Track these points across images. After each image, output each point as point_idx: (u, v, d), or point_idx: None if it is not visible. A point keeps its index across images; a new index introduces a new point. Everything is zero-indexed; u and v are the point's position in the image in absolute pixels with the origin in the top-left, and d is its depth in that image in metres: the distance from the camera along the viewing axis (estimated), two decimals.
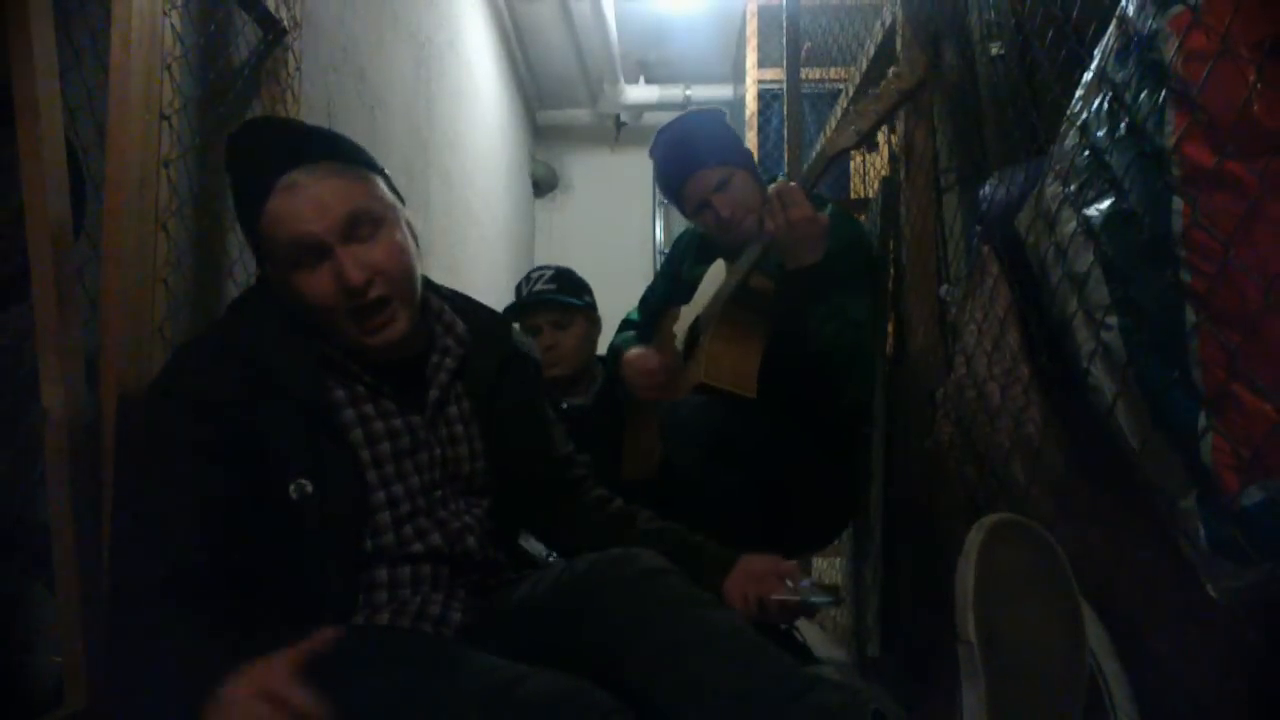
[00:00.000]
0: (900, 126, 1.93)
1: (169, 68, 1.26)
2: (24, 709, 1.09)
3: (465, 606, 1.03)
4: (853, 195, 2.85)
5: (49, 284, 1.05)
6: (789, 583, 1.07)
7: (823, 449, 1.67)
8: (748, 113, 3.90)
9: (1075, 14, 1.19)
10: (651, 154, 1.79)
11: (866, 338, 1.67)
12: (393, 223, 1.02)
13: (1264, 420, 0.77)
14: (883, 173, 2.40)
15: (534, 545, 1.31)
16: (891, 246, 1.94)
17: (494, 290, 3.76)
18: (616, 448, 1.85)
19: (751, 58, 3.95)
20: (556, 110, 5.54)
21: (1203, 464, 0.81)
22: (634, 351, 1.81)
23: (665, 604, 0.90)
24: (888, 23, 2.07)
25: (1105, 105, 0.99)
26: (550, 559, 1.31)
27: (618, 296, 2.40)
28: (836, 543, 2.18)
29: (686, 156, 1.71)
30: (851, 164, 2.87)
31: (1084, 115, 1.03)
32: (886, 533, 1.76)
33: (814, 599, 1.05)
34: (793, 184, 1.49)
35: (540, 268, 2.07)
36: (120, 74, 1.13)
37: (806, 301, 1.52)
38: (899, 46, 1.89)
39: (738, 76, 4.37)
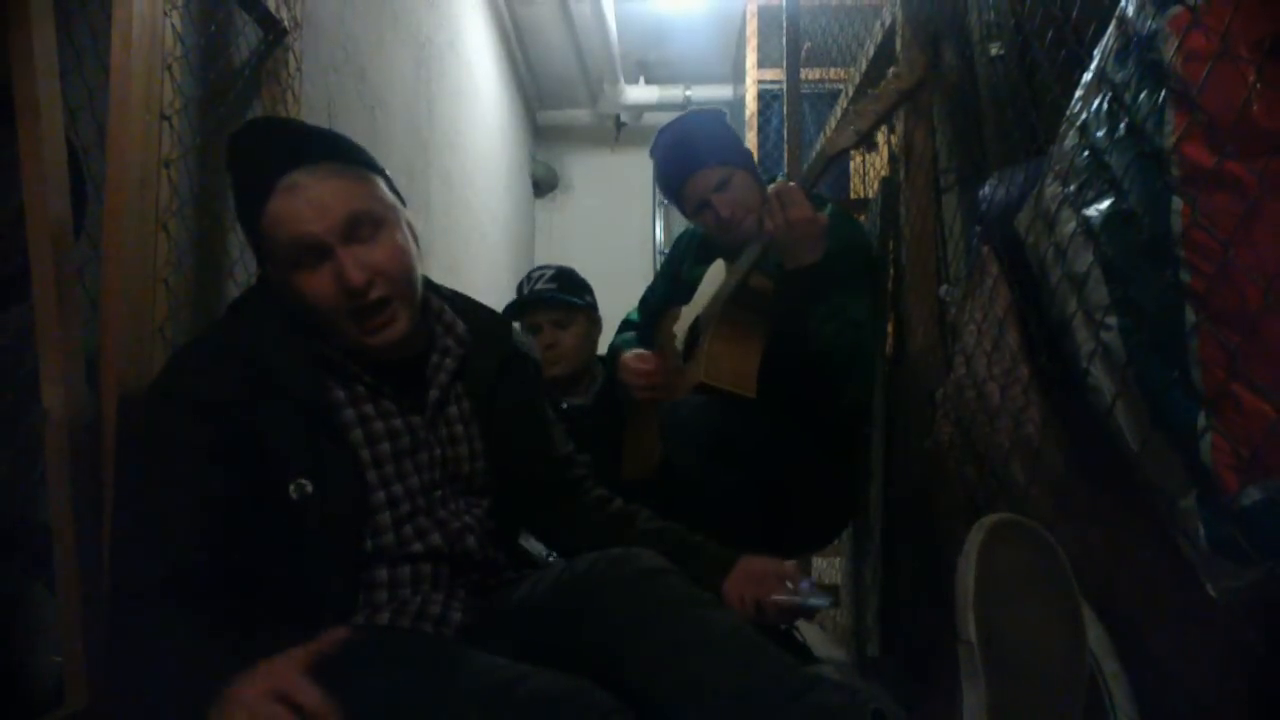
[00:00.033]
0: (900, 127, 1.93)
1: (170, 68, 1.26)
2: (24, 709, 1.09)
3: (465, 606, 1.03)
4: (852, 195, 2.86)
5: (49, 284, 1.05)
6: (789, 584, 1.07)
7: (822, 449, 1.67)
8: (748, 113, 3.90)
9: (1075, 14, 1.19)
10: (652, 154, 1.79)
11: (866, 338, 1.67)
12: (393, 223, 1.02)
13: (1263, 420, 0.78)
14: (882, 173, 2.40)
15: (534, 545, 1.31)
16: (891, 246, 1.94)
17: (494, 290, 3.76)
18: (616, 448, 1.85)
19: (751, 58, 3.96)
20: (556, 110, 5.54)
21: (1202, 464, 0.81)
22: (631, 353, 1.81)
23: (665, 604, 0.90)
24: (887, 23, 2.07)
25: (1105, 105, 0.99)
26: (550, 559, 1.31)
27: (618, 296, 2.40)
28: (836, 542, 2.18)
29: (686, 156, 1.71)
30: (851, 164, 2.87)
31: (1083, 115, 1.03)
32: (886, 533, 1.77)
33: (812, 601, 1.06)
34: (792, 184, 1.49)
35: (541, 267, 2.08)
36: (121, 74, 1.13)
37: (806, 301, 1.52)
38: (899, 47, 1.89)
39: (738, 77, 4.38)
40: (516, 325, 1.77)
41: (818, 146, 2.37)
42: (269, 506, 0.95)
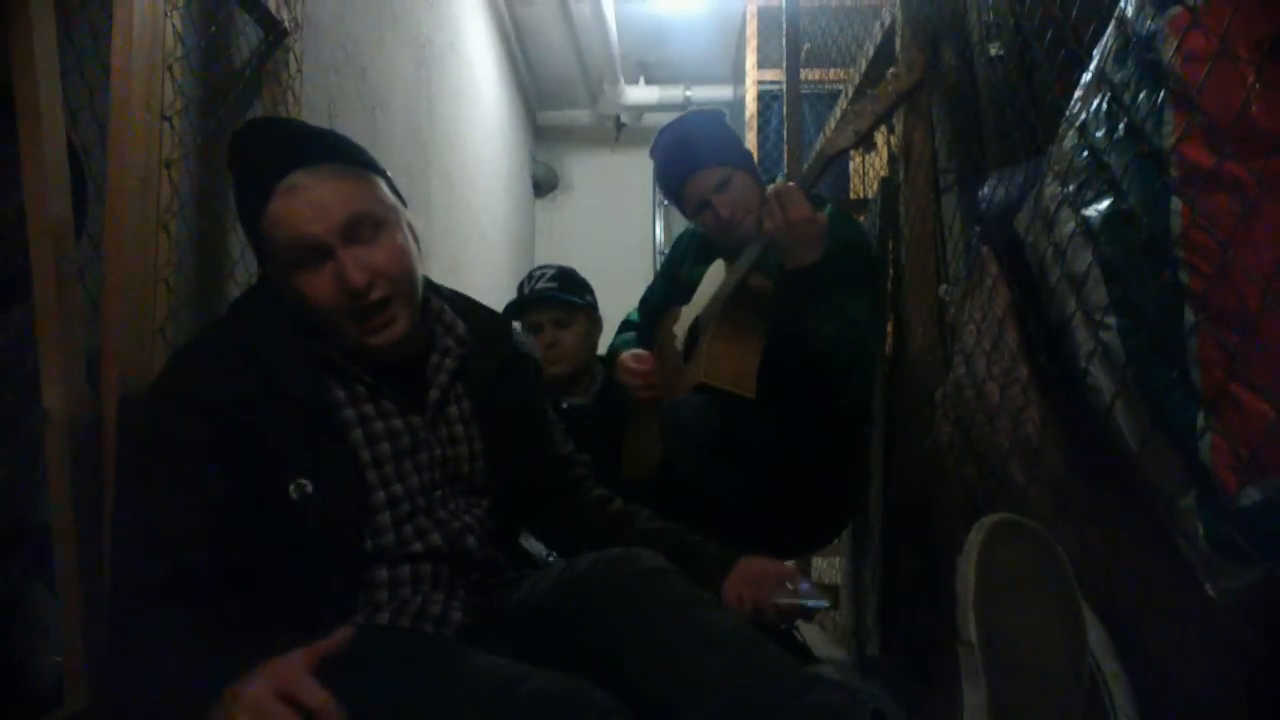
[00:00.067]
0: (899, 127, 1.93)
1: (170, 68, 1.26)
2: (24, 709, 1.09)
3: (465, 606, 1.03)
4: (852, 196, 2.85)
5: (49, 284, 1.05)
6: (789, 584, 1.07)
7: (822, 449, 1.67)
8: (747, 113, 3.90)
9: (1074, 14, 1.20)
10: (652, 154, 1.80)
11: (866, 337, 1.67)
12: (394, 225, 1.02)
13: (1263, 420, 0.78)
14: (882, 173, 2.40)
15: (534, 545, 1.31)
16: (891, 247, 1.94)
17: (494, 290, 3.76)
18: (616, 448, 1.85)
19: (751, 59, 3.96)
20: (557, 111, 5.54)
21: (1201, 464, 0.82)
22: (628, 353, 1.82)
23: (665, 604, 0.90)
24: (887, 23, 2.08)
25: (1104, 106, 0.99)
26: (550, 559, 1.31)
27: (618, 297, 2.41)
28: (836, 542, 2.18)
29: (686, 157, 1.71)
30: (851, 164, 2.87)
31: (1083, 116, 1.03)
32: (886, 532, 1.77)
33: (811, 603, 1.06)
34: (791, 184, 1.50)
35: (542, 267, 2.08)
36: (122, 75, 1.13)
37: (806, 301, 1.53)
38: (898, 47, 1.89)
39: (737, 77, 4.38)
40: (517, 325, 1.77)
41: (817, 147, 2.38)
42: (269, 506, 0.95)
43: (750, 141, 3.76)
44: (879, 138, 2.36)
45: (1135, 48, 0.94)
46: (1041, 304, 1.10)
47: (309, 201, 0.96)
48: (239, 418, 0.96)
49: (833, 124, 2.59)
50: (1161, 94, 0.89)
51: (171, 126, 1.28)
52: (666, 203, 2.86)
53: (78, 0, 1.21)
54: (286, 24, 1.65)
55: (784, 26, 2.99)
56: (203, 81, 1.51)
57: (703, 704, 0.82)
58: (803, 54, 3.10)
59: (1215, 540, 0.81)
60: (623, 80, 5.01)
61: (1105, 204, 0.96)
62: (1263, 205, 0.79)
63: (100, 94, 1.19)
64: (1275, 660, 0.80)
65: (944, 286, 1.65)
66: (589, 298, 2.06)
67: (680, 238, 2.05)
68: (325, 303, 0.98)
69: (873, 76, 2.24)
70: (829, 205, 1.74)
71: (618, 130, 5.48)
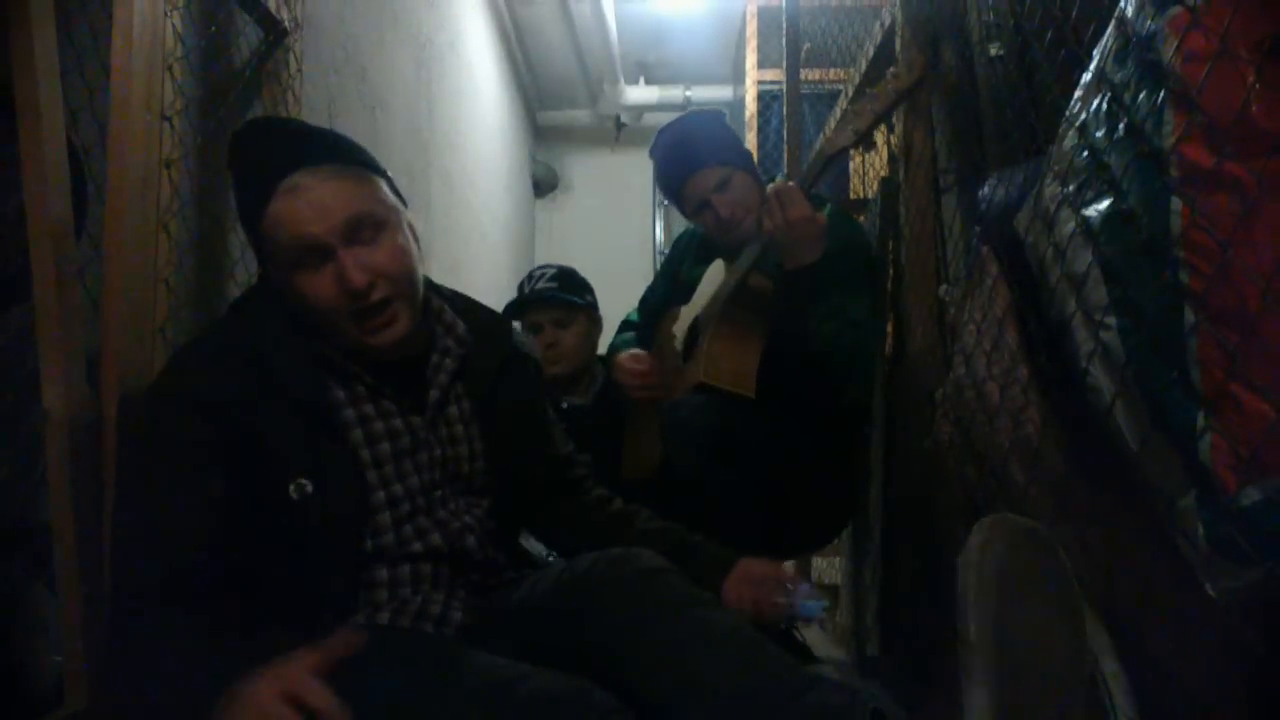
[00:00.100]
0: (899, 127, 1.93)
1: (170, 68, 1.26)
2: (24, 709, 1.09)
3: (466, 606, 1.03)
4: (852, 196, 2.85)
5: (49, 284, 1.05)
6: (789, 585, 1.07)
7: (822, 448, 1.67)
8: (747, 113, 3.90)
9: (1075, 14, 1.20)
10: (651, 154, 1.80)
11: (866, 337, 1.67)
12: (395, 225, 1.02)
13: (1263, 420, 0.78)
14: (882, 173, 2.40)
15: (534, 545, 1.31)
16: (891, 247, 1.94)
17: (494, 290, 3.76)
18: (616, 448, 1.85)
19: (751, 59, 3.96)
20: (557, 111, 5.54)
21: (1201, 464, 0.82)
22: (625, 353, 1.82)
23: (665, 604, 0.90)
24: (887, 24, 2.07)
25: (1104, 106, 0.99)
26: (550, 559, 1.32)
27: (618, 296, 2.41)
28: (836, 542, 2.18)
29: (686, 157, 1.71)
30: (851, 164, 2.87)
31: (1083, 116, 1.03)
32: (886, 532, 1.77)
33: (808, 608, 1.05)
34: (791, 183, 1.50)
35: (543, 266, 2.08)
36: (122, 75, 1.13)
37: (805, 301, 1.53)
38: (898, 47, 1.89)
39: (737, 77, 4.38)
40: (517, 325, 1.77)
41: (817, 146, 2.38)
42: (269, 506, 0.95)
43: (750, 141, 3.76)
44: (879, 137, 2.36)
45: (1135, 48, 0.94)
46: (1041, 304, 1.10)
47: (310, 202, 0.96)
48: (239, 418, 0.96)
49: (833, 124, 2.59)
50: (1161, 94, 0.89)
51: (171, 126, 1.28)
52: (666, 203, 2.86)
53: (78, 0, 1.21)
54: (286, 24, 1.65)
55: (784, 26, 2.99)
56: (203, 81, 1.51)
57: (703, 704, 0.82)
58: (803, 54, 3.10)
59: (1215, 540, 0.81)
60: (623, 80, 5.01)
61: (1105, 204, 0.96)
62: (1263, 205, 0.79)
63: (100, 94, 1.19)
64: (1275, 660, 0.81)
65: (944, 286, 1.65)
66: (589, 298, 2.06)
67: (680, 238, 2.05)
68: (326, 303, 0.98)
69: (873, 76, 2.24)
70: (829, 205, 1.74)
71: (618, 130, 5.48)
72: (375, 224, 1.00)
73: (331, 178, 0.98)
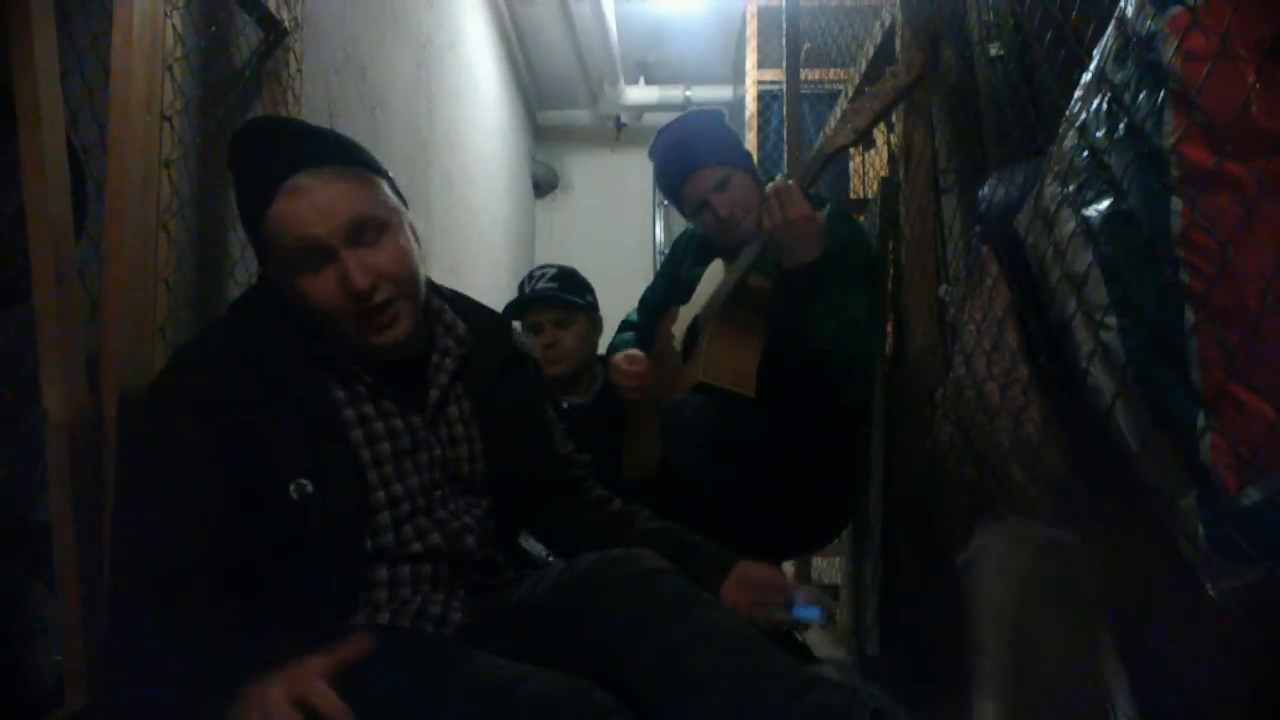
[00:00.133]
0: (899, 127, 1.93)
1: (170, 68, 1.26)
2: (24, 709, 1.09)
3: (465, 606, 1.03)
4: (852, 195, 2.86)
5: (49, 284, 1.05)
6: (787, 590, 1.07)
7: (822, 448, 1.67)
8: (747, 113, 3.90)
9: (1074, 15, 1.20)
10: (651, 154, 1.80)
11: (865, 336, 1.67)
12: (397, 227, 1.02)
13: (1263, 420, 0.78)
14: (882, 173, 2.40)
15: (534, 545, 1.31)
16: (891, 246, 1.94)
17: (494, 290, 3.76)
18: (616, 448, 1.85)
19: (751, 59, 3.95)
20: (557, 111, 5.54)
21: (1202, 464, 0.82)
22: (621, 354, 1.82)
23: (665, 604, 0.90)
24: (887, 23, 2.07)
25: (1104, 106, 0.99)
26: (550, 559, 1.32)
27: (618, 296, 2.41)
28: (836, 542, 2.18)
29: (686, 157, 1.71)
30: (851, 164, 2.87)
31: (1083, 116, 1.03)
32: (886, 532, 1.77)
33: (806, 615, 1.05)
34: (790, 182, 1.50)
35: (543, 266, 2.08)
36: (122, 75, 1.13)
37: (804, 300, 1.53)
38: (898, 47, 1.89)
39: (737, 77, 4.37)
40: (517, 325, 1.77)
41: (816, 146, 2.38)
42: (269, 506, 0.95)
43: (750, 141, 3.75)
44: (879, 137, 2.36)
45: (1135, 48, 0.94)
46: (1041, 304, 1.10)
47: (313, 203, 0.96)
48: (239, 418, 0.96)
49: (833, 123, 2.59)
50: (1161, 94, 0.89)
51: (171, 126, 1.28)
52: (666, 203, 2.86)
53: (78, 0, 1.21)
54: (286, 24, 1.65)
55: (784, 26, 2.99)
56: (203, 81, 1.51)
57: (703, 704, 0.82)
58: (803, 54, 3.10)
59: (1215, 540, 0.81)
60: (623, 80, 5.01)
61: (1105, 204, 0.96)
62: (1263, 205, 0.79)
63: (100, 94, 1.19)
64: (1276, 660, 0.80)
65: (944, 286, 1.65)
66: (589, 298, 2.06)
67: (680, 238, 2.05)
68: (329, 305, 0.98)
69: (873, 76, 2.24)
70: (828, 205, 1.74)
71: (618, 130, 5.48)
72: (378, 226, 1.00)
73: (334, 179, 0.98)
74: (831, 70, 3.35)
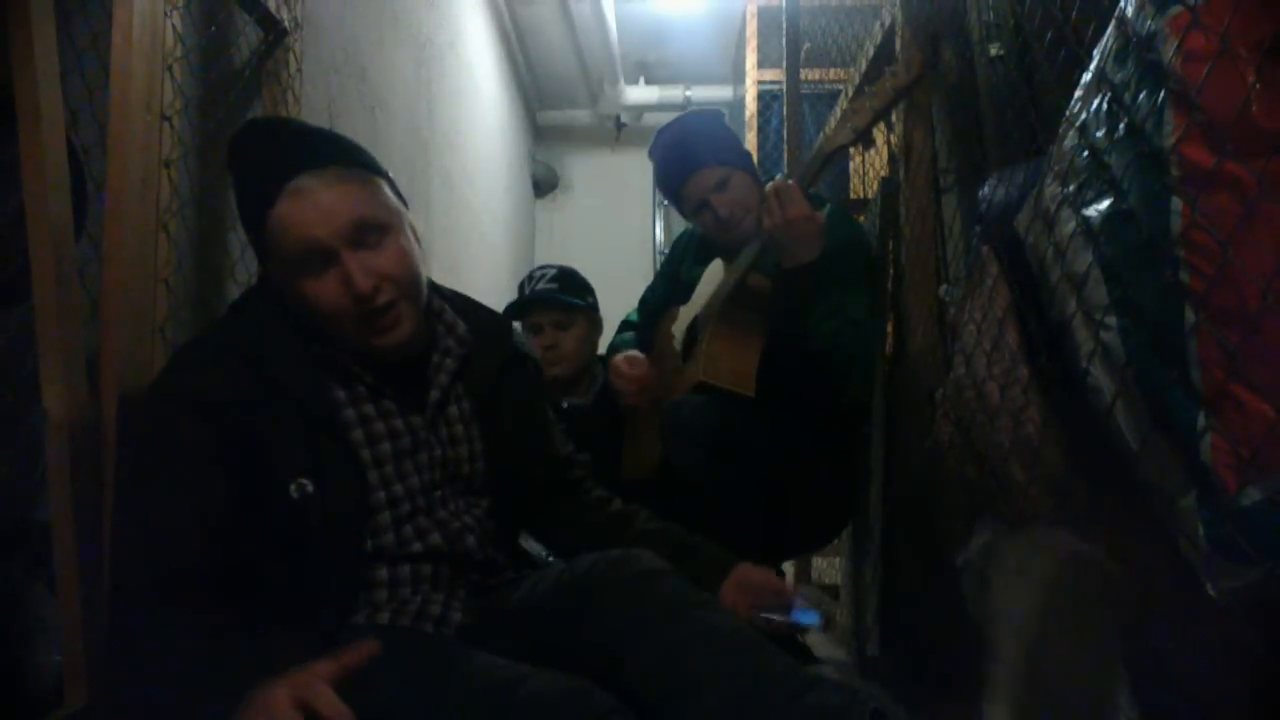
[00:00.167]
0: (899, 126, 1.93)
1: (170, 68, 1.26)
2: (24, 709, 1.09)
3: (465, 606, 1.03)
4: (852, 195, 2.86)
5: (49, 284, 1.05)
6: (785, 594, 1.07)
7: (822, 448, 1.67)
8: (747, 113, 3.90)
9: (1074, 15, 1.20)
10: (651, 154, 1.80)
11: (865, 336, 1.67)
12: (398, 229, 1.02)
13: (1263, 420, 0.78)
14: (882, 173, 2.40)
15: (534, 545, 1.31)
16: (891, 246, 1.94)
17: (495, 290, 3.76)
18: (616, 448, 1.85)
19: (751, 58, 3.95)
20: (557, 111, 5.54)
21: (1202, 464, 0.81)
22: (620, 356, 1.81)
23: (664, 604, 0.90)
24: (887, 23, 2.07)
25: (1104, 106, 0.99)
26: (550, 559, 1.32)
27: (618, 297, 2.41)
28: (836, 542, 2.18)
29: (685, 157, 1.71)
30: (851, 164, 2.87)
31: (1083, 116, 1.03)
32: (886, 532, 1.76)
33: (803, 619, 1.05)
34: (790, 182, 1.50)
35: (543, 267, 2.08)
36: (121, 75, 1.13)
37: (804, 300, 1.53)
38: (898, 47, 1.89)
39: (737, 77, 4.38)
40: (517, 325, 1.77)
41: (816, 146, 2.38)
42: (269, 506, 0.95)
43: (750, 141, 3.76)
44: (879, 137, 2.36)
45: (1135, 48, 0.94)
46: (1041, 304, 1.10)
47: (315, 205, 0.96)
48: (239, 417, 0.96)
49: (833, 123, 2.59)
50: (1161, 94, 0.89)
51: (171, 126, 1.28)
52: (666, 203, 2.86)
53: (78, 0, 1.21)
54: (286, 24, 1.65)
55: (784, 26, 2.99)
56: (203, 81, 1.51)
57: (703, 704, 0.82)
58: (803, 54, 3.10)
59: (1215, 540, 0.81)
60: (623, 80, 5.01)
61: (1105, 204, 0.96)
62: (1263, 205, 0.79)
63: (100, 94, 1.19)
64: (1276, 660, 0.80)
65: (944, 286, 1.65)
66: (590, 299, 2.06)
67: (680, 238, 2.05)
68: (331, 307, 0.98)
69: (873, 76, 2.24)
70: (828, 205, 1.74)
71: (618, 130, 5.48)
72: (379, 227, 1.00)
73: (336, 181, 0.98)
74: (831, 70, 3.35)
